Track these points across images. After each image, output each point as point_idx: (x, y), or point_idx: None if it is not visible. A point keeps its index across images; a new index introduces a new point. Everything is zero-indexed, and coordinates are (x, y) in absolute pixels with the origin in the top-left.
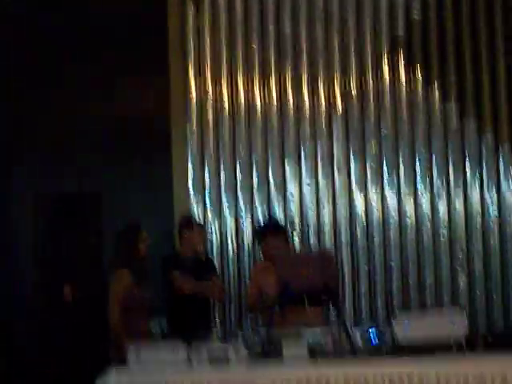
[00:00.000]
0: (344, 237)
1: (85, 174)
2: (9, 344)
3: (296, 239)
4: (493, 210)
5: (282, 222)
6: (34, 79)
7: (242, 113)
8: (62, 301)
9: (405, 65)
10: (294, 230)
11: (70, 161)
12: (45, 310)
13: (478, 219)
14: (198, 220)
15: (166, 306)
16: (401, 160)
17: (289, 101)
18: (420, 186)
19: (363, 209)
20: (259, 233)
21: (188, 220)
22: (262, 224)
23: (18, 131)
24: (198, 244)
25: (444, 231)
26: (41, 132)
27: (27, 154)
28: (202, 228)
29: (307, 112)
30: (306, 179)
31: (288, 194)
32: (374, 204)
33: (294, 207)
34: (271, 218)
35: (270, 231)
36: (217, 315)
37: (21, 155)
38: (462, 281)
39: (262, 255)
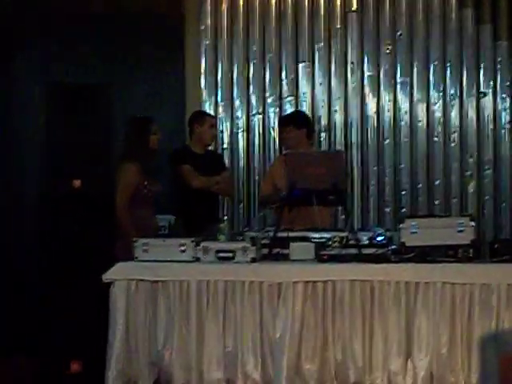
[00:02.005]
0: (355, 137)
1: (96, 66)
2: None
3: None
4: (505, 118)
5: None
6: None
7: (257, 10)
8: (71, 193)
9: None
10: None
11: (80, 53)
12: (52, 204)
13: (490, 126)
14: (209, 113)
15: (174, 201)
16: (415, 63)
17: None
18: (433, 91)
19: (375, 110)
20: (279, 120)
21: (199, 115)
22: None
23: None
24: (209, 139)
25: (455, 136)
26: (49, 21)
27: (33, 43)
28: (214, 120)
29: (322, 10)
30: (318, 79)
31: (300, 92)
32: (386, 106)
33: (305, 106)
34: (297, 111)
35: (287, 122)
36: (225, 213)
37: (25, 46)
38: (471, 187)
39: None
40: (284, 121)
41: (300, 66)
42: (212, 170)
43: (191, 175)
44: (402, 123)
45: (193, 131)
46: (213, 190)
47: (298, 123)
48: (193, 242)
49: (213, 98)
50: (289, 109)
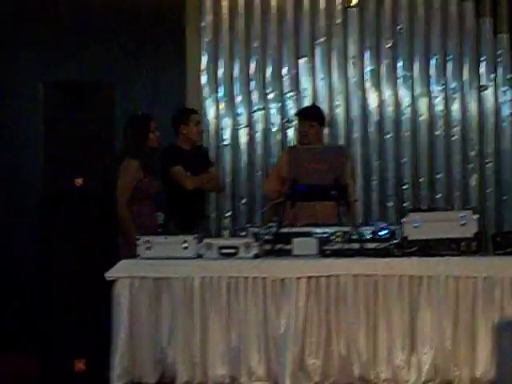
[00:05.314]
0: (356, 132)
1: (97, 64)
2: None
3: None
4: (506, 111)
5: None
6: None
7: (257, 6)
8: (72, 191)
9: None
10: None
11: (81, 50)
12: (54, 202)
13: (491, 120)
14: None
15: (165, 200)
16: (416, 58)
17: None
18: (434, 84)
19: (376, 105)
20: (302, 112)
21: (183, 115)
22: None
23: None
24: (196, 137)
25: (456, 130)
26: (50, 19)
27: (35, 41)
28: (199, 116)
29: (322, 5)
30: (319, 74)
31: (301, 88)
32: (387, 100)
33: (306, 102)
34: (318, 107)
35: (313, 116)
36: (228, 209)
37: (28, 44)
38: (473, 180)
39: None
40: (310, 115)
41: (301, 61)
42: (200, 167)
43: (184, 177)
44: (404, 117)
45: (179, 131)
46: (204, 187)
47: (321, 121)
48: (195, 238)
49: (214, 95)
50: (290, 104)
